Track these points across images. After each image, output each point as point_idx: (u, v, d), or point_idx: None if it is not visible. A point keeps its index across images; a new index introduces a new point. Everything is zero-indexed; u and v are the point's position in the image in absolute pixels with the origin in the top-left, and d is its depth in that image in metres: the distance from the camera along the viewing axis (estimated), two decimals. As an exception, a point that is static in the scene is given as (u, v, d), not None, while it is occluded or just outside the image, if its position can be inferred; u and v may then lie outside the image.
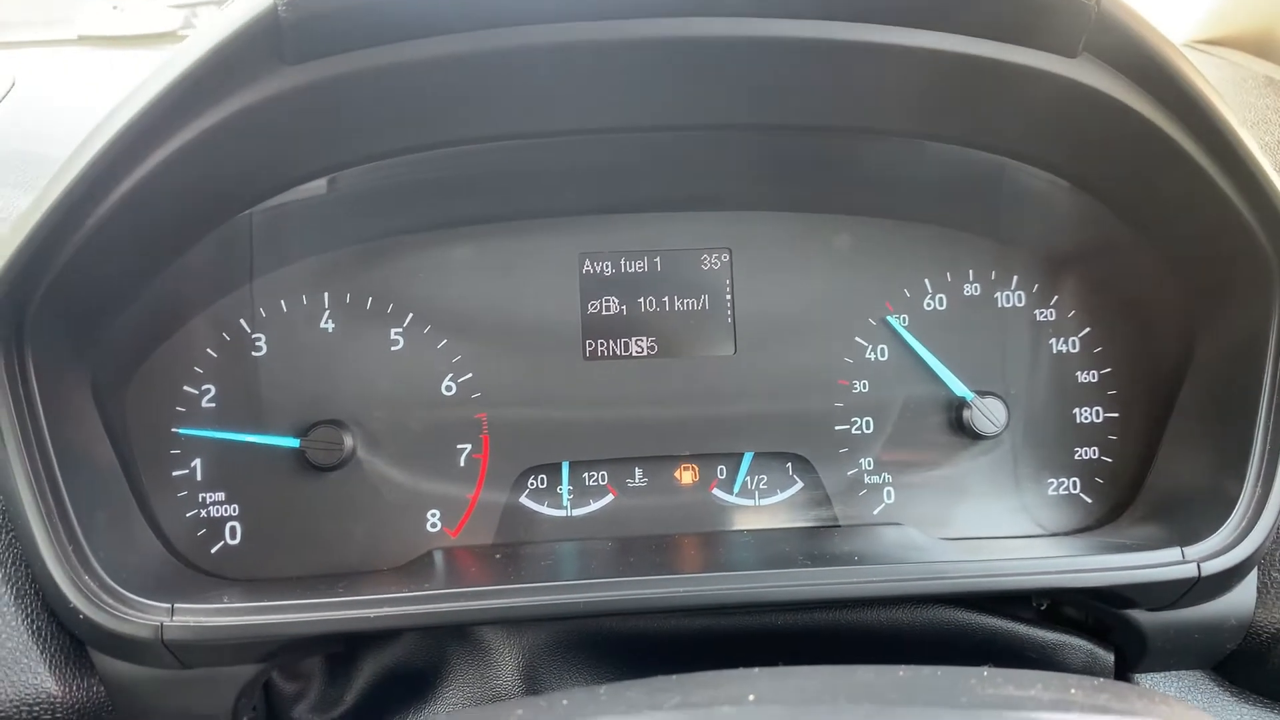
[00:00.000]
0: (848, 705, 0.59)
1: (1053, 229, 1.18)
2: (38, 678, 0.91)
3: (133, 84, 0.87)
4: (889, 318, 1.17)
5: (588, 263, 1.18)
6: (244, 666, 0.96)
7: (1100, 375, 1.20)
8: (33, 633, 0.92)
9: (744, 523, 1.19)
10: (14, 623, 0.91)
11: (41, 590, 0.91)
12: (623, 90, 0.94)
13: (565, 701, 0.68)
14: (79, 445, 0.98)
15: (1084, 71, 0.90)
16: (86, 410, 1.01)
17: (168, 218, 0.97)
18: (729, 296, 1.19)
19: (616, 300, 1.18)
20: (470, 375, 1.15)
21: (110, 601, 0.90)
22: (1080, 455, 1.20)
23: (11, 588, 0.92)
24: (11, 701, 0.90)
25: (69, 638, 0.93)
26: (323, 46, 0.82)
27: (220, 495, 1.11)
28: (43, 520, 0.90)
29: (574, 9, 0.82)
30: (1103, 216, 1.10)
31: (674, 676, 0.70)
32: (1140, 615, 1.03)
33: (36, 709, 0.90)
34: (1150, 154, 0.95)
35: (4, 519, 0.93)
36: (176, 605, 0.91)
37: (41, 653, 0.92)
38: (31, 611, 0.92)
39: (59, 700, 0.91)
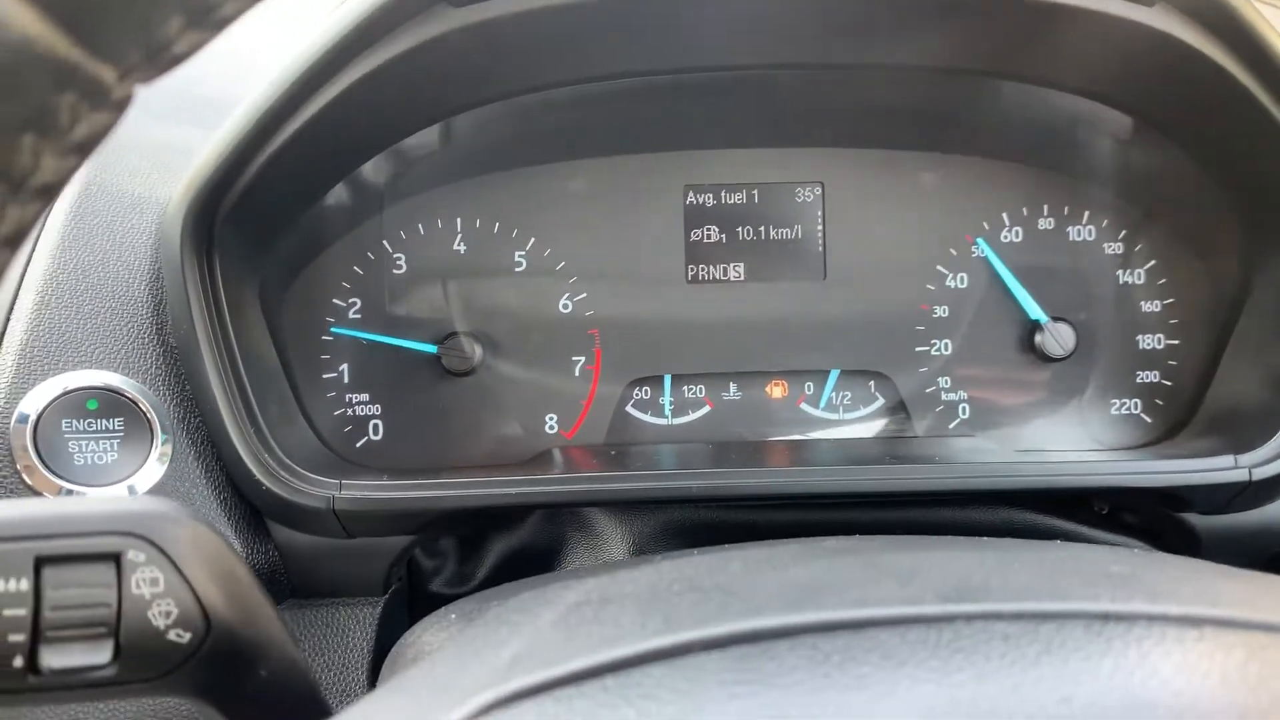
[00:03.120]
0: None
1: (1124, 167, 1.27)
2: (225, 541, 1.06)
3: (308, 27, 1.00)
4: (979, 240, 1.27)
5: (691, 194, 1.30)
6: (396, 538, 1.11)
7: (1163, 305, 1.29)
8: (220, 503, 1.07)
9: (829, 434, 1.31)
10: (206, 494, 1.06)
11: (228, 467, 1.06)
12: (742, 30, 1.05)
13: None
14: (253, 346, 1.12)
15: (1160, 19, 0.99)
16: (256, 316, 1.15)
17: (332, 149, 1.10)
18: (820, 227, 1.30)
19: (717, 229, 1.30)
20: (585, 295, 1.28)
21: (288, 477, 1.05)
22: (1142, 378, 1.30)
23: (202, 465, 1.07)
24: (205, 560, 1.05)
25: (249, 508, 1.08)
26: (487, -10, 0.94)
27: (365, 396, 1.25)
28: (230, 407, 1.04)
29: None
30: (1172, 155, 1.19)
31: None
32: (1194, 518, 1.14)
33: (225, 567, 1.05)
34: (1220, 97, 1.04)
35: (194, 408, 1.07)
36: (343, 481, 1.06)
37: (228, 520, 1.07)
38: (219, 485, 1.07)
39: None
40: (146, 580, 0.63)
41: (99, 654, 0.62)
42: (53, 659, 0.61)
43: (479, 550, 1.24)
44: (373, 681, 1.09)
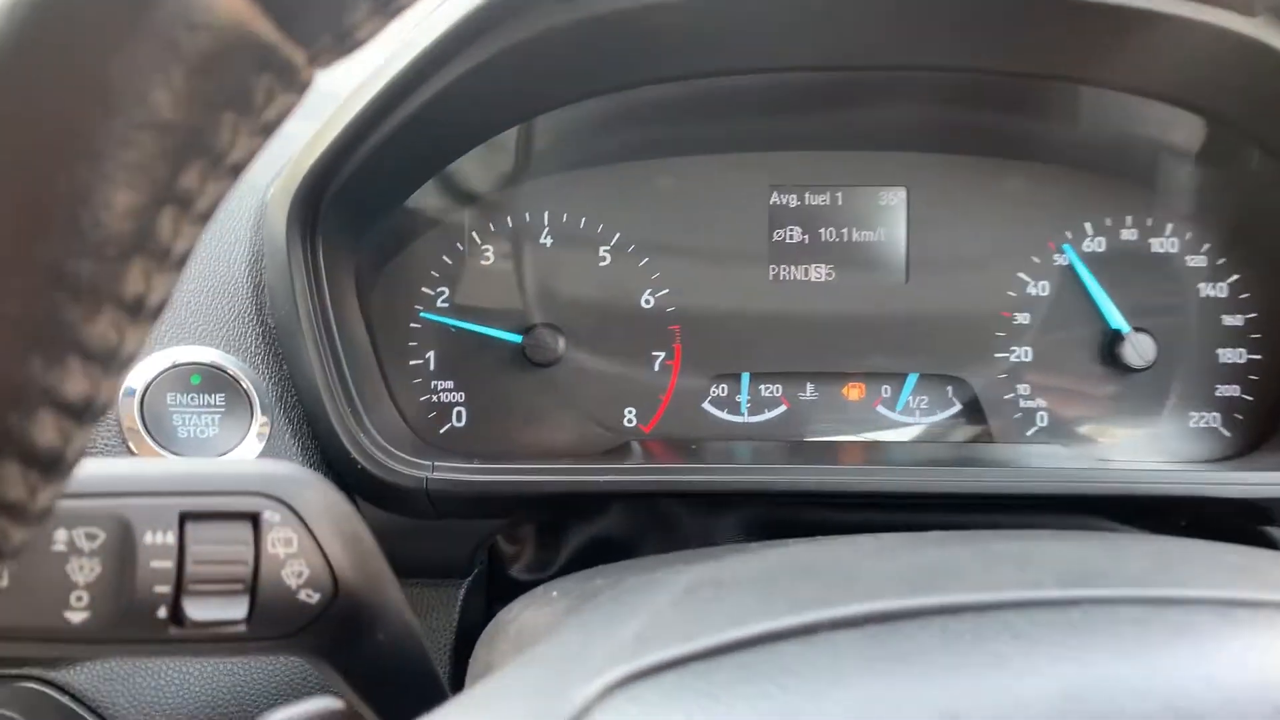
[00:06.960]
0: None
1: (1210, 180, 1.27)
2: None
3: (414, 19, 1.03)
4: (1066, 246, 1.28)
5: (776, 194, 1.31)
6: (483, 521, 1.13)
7: (1246, 319, 1.29)
8: (314, 481, 1.09)
9: (904, 437, 1.31)
10: (300, 471, 1.09)
11: (323, 446, 1.08)
12: (836, 28, 1.07)
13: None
14: (349, 329, 1.15)
15: (1263, 30, 1.00)
16: (352, 300, 1.18)
17: (434, 139, 1.13)
18: (904, 231, 1.30)
19: (800, 229, 1.31)
20: (666, 291, 1.29)
21: (383, 457, 1.07)
22: (1221, 392, 1.29)
23: (298, 443, 1.10)
24: (298, 535, 1.07)
25: (341, 487, 1.11)
26: (597, -15, 0.97)
27: (449, 383, 1.27)
28: (328, 387, 1.07)
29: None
30: (1260, 169, 1.19)
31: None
32: (1277, 532, 1.14)
33: (317, 544, 1.08)
34: (1318, 109, 1.04)
35: (290, 387, 1.10)
36: (435, 463, 1.08)
37: (321, 498, 1.09)
38: (313, 464, 1.10)
39: (333, 538, 1.09)
40: (281, 540, 0.66)
41: (236, 609, 0.64)
42: (194, 611, 0.63)
43: (557, 539, 1.25)
44: (457, 662, 1.12)
